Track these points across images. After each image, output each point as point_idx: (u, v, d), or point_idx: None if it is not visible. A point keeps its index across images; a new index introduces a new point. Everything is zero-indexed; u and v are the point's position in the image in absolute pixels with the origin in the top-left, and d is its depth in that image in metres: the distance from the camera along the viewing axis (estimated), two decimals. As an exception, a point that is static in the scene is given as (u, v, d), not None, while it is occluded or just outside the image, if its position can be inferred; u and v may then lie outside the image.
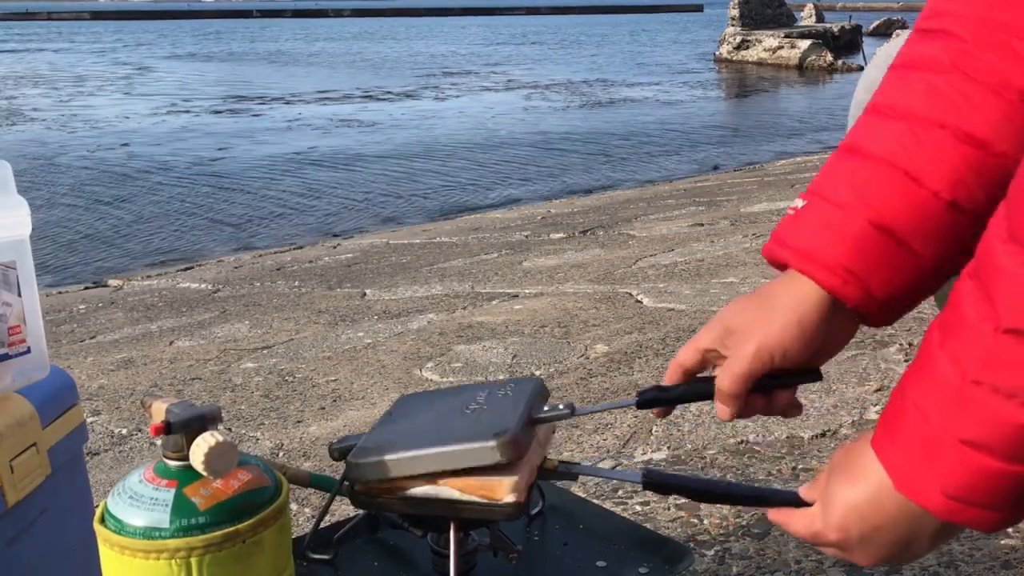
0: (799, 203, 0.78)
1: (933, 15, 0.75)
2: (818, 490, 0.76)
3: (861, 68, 20.78)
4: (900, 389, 0.68)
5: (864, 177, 0.74)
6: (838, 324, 0.77)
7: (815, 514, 0.75)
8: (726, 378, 0.80)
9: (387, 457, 0.84)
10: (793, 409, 0.83)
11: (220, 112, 15.34)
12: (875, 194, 0.73)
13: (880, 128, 0.75)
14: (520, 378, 0.96)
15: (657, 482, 0.87)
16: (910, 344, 2.27)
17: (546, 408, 0.89)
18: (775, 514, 0.80)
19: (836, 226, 0.74)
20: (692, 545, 1.36)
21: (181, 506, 0.74)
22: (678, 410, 1.95)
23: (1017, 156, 0.66)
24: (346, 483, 0.89)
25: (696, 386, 0.84)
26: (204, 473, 0.74)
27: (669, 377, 0.85)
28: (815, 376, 0.81)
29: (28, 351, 0.95)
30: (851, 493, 0.70)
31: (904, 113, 0.73)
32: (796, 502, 0.79)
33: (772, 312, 0.78)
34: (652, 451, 1.77)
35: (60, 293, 5.26)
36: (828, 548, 0.76)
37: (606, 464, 1.73)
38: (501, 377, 2.31)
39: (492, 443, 0.81)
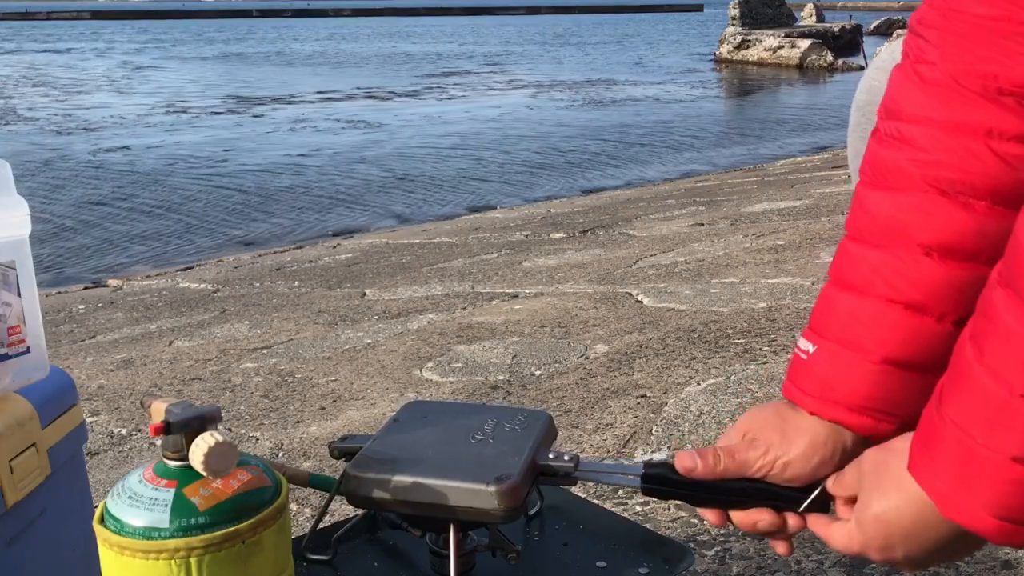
0: (809, 347, 0.79)
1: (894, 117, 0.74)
2: (845, 486, 0.75)
3: (861, 68, 20.78)
4: (935, 407, 0.65)
5: (867, 317, 0.75)
6: (851, 452, 0.78)
7: (853, 533, 0.73)
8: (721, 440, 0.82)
9: (385, 477, 0.85)
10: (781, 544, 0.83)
11: (220, 113, 15.33)
12: (884, 333, 0.74)
13: (864, 259, 0.75)
14: (530, 410, 0.97)
15: (656, 486, 0.86)
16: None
17: (551, 455, 0.89)
18: (814, 523, 0.79)
19: (855, 370, 0.75)
20: (692, 545, 1.36)
21: (181, 506, 0.74)
22: (678, 410, 1.95)
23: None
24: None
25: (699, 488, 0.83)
26: (204, 473, 0.74)
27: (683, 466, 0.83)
28: (823, 505, 0.80)
29: (28, 351, 0.95)
30: (892, 512, 0.68)
31: (883, 240, 0.74)
32: (803, 498, 0.79)
33: (789, 431, 0.79)
34: (652, 451, 1.77)
35: (60, 293, 5.26)
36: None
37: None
38: (502, 378, 2.31)
39: (492, 488, 0.82)
